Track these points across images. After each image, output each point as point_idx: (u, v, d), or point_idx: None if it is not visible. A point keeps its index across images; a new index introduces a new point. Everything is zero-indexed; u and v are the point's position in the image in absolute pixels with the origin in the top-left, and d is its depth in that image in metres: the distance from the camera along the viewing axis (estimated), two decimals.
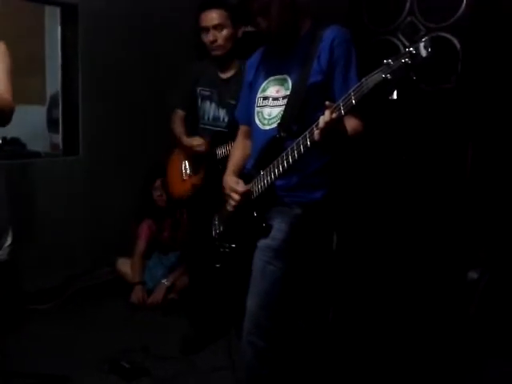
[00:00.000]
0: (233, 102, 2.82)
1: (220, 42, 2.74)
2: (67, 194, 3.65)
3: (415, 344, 2.49)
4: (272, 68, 2.09)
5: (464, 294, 1.41)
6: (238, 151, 2.28)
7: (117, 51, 3.75)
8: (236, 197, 2.02)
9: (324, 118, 1.64)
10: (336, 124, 1.65)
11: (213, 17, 2.72)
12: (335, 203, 2.10)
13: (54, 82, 3.87)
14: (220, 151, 2.81)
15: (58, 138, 3.79)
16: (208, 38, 2.74)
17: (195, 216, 3.00)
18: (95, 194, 3.78)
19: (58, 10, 3.67)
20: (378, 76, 1.49)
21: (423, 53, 1.41)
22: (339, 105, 1.61)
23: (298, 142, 1.78)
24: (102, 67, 3.71)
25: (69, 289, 3.60)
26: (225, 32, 2.73)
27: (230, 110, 2.83)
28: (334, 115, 1.62)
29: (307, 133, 1.75)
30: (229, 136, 2.75)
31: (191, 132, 2.97)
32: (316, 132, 1.67)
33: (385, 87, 1.48)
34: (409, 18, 2.54)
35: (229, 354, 2.23)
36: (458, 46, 2.38)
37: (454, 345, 1.57)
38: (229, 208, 2.09)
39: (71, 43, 3.66)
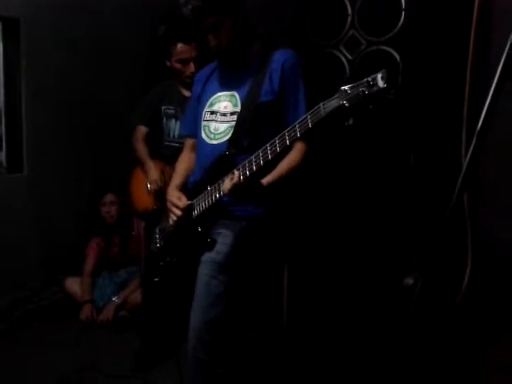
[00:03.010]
0: None
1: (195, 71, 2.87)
2: (12, 213, 3.54)
3: (363, 348, 2.54)
4: (221, 83, 2.12)
5: (401, 299, 1.46)
6: (183, 164, 2.30)
7: (62, 65, 3.67)
8: (177, 212, 2.03)
9: (229, 182, 1.76)
10: (243, 186, 1.76)
11: (192, 49, 2.91)
12: (284, 217, 2.13)
13: None
14: None
15: (2, 155, 3.68)
16: (189, 69, 2.93)
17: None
18: (41, 213, 3.68)
19: None
20: (336, 102, 1.53)
21: (380, 83, 1.45)
22: (295, 126, 1.64)
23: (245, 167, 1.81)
24: (46, 82, 3.63)
25: (16, 311, 3.47)
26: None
27: None
28: (236, 181, 1.75)
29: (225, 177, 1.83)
30: None
31: (153, 150, 3.05)
32: (224, 191, 1.80)
33: (341, 113, 1.52)
34: (350, 32, 2.61)
35: (179, 371, 2.20)
36: (398, 58, 2.45)
37: (393, 347, 1.62)
38: (171, 222, 2.10)
39: (14, 58, 3.56)
